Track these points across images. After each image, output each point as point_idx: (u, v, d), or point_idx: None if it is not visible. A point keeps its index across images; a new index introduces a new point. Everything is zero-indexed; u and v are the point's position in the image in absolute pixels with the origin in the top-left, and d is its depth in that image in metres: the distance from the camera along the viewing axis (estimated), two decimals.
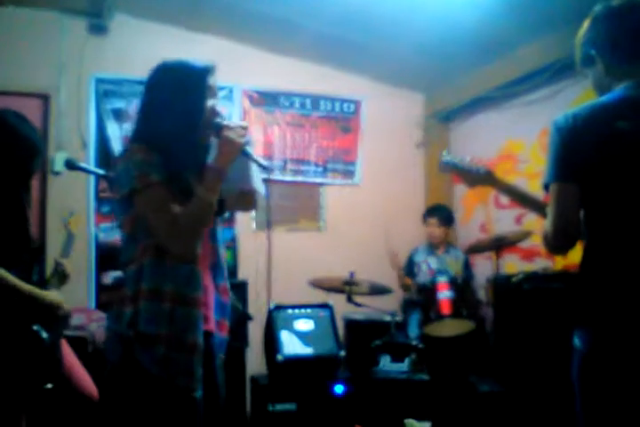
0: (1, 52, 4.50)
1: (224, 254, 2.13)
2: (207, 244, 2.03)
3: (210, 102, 2.03)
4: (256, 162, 2.10)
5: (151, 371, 1.80)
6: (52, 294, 2.48)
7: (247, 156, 2.05)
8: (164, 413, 1.85)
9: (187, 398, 1.83)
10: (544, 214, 1.99)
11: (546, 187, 1.83)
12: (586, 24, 1.93)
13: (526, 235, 4.13)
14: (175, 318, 1.83)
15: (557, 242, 1.81)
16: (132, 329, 1.82)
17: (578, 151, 1.77)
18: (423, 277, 4.87)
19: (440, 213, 5.12)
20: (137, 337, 1.81)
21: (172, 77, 2.04)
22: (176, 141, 1.94)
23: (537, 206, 2.18)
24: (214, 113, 2.05)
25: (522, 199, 2.26)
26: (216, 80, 2.09)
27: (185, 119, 1.97)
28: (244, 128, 2.03)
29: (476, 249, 4.60)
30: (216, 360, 2.03)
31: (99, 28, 4.75)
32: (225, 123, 2.02)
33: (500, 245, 4.12)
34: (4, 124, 2.38)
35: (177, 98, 1.99)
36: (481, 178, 2.31)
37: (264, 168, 2.10)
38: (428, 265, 5.03)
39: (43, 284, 2.54)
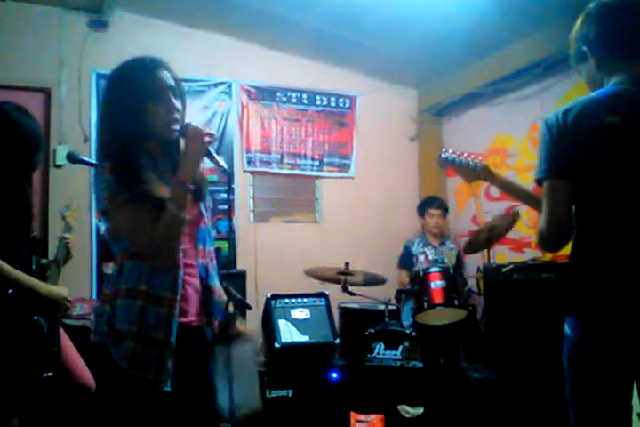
0: (2, 46, 4.55)
1: (212, 254, 2.13)
2: (193, 247, 2.05)
3: (159, 101, 1.96)
4: (218, 164, 2.04)
5: (122, 366, 1.85)
6: (52, 286, 2.49)
7: (210, 157, 2.00)
8: (134, 406, 1.91)
9: (155, 391, 1.87)
10: (534, 205, 2.07)
11: (538, 182, 1.88)
12: (579, 21, 1.94)
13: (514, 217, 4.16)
14: (145, 316, 1.87)
15: (551, 237, 1.85)
16: (107, 326, 1.88)
17: (568, 148, 1.80)
18: (421, 267, 4.97)
19: (441, 204, 5.25)
20: (110, 333, 1.87)
21: (115, 79, 2.01)
22: (127, 150, 1.91)
23: (528, 199, 2.25)
24: (168, 110, 1.97)
25: (515, 192, 2.32)
26: (173, 74, 2.02)
27: (128, 123, 1.93)
28: (209, 134, 1.98)
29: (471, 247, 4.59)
30: (201, 351, 2.06)
31: (99, 24, 4.81)
32: (189, 126, 1.97)
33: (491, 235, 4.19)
34: (6, 118, 2.34)
35: (119, 100, 1.96)
36: (478, 173, 2.37)
37: (224, 171, 2.05)
38: (425, 256, 5.15)
39: (42, 274, 2.56)
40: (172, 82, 2.00)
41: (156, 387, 1.87)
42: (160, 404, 1.89)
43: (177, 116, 1.99)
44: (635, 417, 2.12)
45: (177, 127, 1.99)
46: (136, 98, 1.93)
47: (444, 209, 5.26)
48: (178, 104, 2.00)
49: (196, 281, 2.04)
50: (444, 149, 2.40)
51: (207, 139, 1.95)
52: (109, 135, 1.97)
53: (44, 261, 2.75)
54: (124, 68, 2.01)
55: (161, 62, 2.01)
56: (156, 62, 2.00)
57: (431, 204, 5.29)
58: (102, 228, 4.70)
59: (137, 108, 1.93)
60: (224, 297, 2.15)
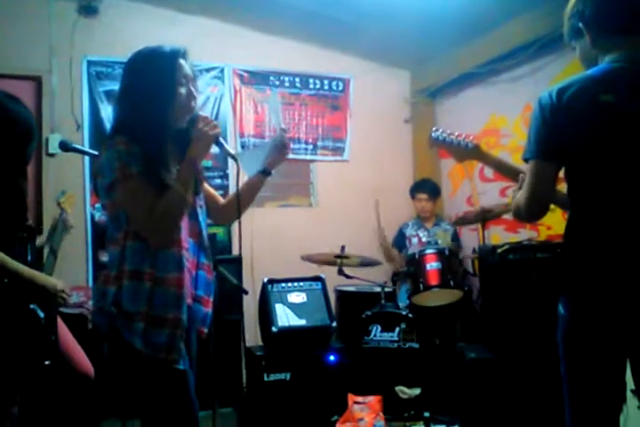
0: None
1: (206, 234, 2.18)
2: (188, 223, 2.08)
3: (183, 88, 2.04)
4: (228, 153, 2.16)
5: (134, 345, 1.89)
6: (48, 277, 2.52)
7: (219, 147, 2.10)
8: (150, 383, 1.95)
9: (169, 369, 1.91)
10: None
11: (526, 160, 1.88)
12: None
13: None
14: (154, 297, 1.91)
15: (530, 214, 1.88)
16: (115, 307, 1.90)
17: (561, 128, 1.78)
18: (414, 249, 4.99)
19: (429, 187, 5.24)
20: (119, 314, 1.90)
21: (141, 64, 2.07)
22: (150, 129, 1.97)
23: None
24: (190, 98, 2.07)
25: (507, 172, 2.31)
26: (191, 64, 2.10)
27: (155, 105, 1.99)
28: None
29: (462, 222, 4.71)
30: (192, 333, 2.10)
31: (89, 10, 4.75)
32: (200, 114, 2.07)
33: (485, 217, 4.22)
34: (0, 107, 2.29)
35: (146, 84, 2.01)
36: (469, 152, 2.35)
37: (234, 158, 2.14)
38: (418, 238, 5.16)
39: (39, 264, 2.58)
40: (191, 72, 2.10)
41: (169, 366, 1.91)
42: (175, 382, 1.94)
43: (194, 104, 2.09)
44: (629, 393, 2.14)
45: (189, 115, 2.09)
46: (163, 81, 2.01)
47: (433, 193, 5.25)
48: (195, 94, 2.10)
49: (190, 261, 2.07)
50: (434, 128, 2.39)
51: (218, 129, 2.05)
52: (130, 111, 2.03)
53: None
54: (151, 51, 2.08)
55: (185, 52, 2.09)
56: (181, 51, 2.08)
57: (418, 188, 5.30)
58: (97, 215, 4.70)
59: (164, 92, 2.01)
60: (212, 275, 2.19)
